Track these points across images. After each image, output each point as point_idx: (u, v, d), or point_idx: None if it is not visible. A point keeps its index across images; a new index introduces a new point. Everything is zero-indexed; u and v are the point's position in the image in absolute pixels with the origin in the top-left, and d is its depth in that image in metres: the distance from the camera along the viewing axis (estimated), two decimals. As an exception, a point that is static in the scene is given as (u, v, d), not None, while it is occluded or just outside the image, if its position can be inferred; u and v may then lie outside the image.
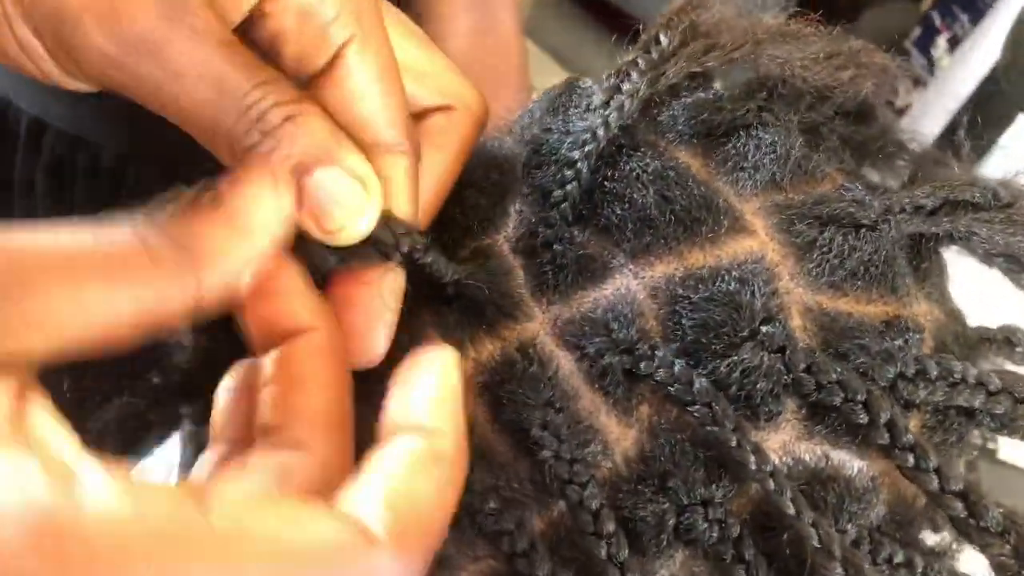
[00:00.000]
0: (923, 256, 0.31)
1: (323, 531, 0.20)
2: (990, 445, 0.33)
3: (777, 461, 0.27)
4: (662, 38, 0.33)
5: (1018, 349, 0.36)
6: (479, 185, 0.32)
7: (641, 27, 0.34)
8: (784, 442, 0.27)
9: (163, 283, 0.21)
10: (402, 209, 0.27)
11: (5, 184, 0.67)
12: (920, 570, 0.28)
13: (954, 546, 0.30)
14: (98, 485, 0.19)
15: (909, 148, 0.37)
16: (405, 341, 0.29)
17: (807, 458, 0.27)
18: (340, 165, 0.25)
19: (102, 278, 0.20)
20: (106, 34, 0.24)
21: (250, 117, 0.25)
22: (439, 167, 0.29)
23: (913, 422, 0.29)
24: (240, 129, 0.25)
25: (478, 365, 0.28)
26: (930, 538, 0.31)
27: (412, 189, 0.28)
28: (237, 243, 0.23)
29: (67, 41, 0.24)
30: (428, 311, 0.30)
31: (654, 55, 0.33)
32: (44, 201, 0.67)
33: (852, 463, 0.28)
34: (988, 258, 0.32)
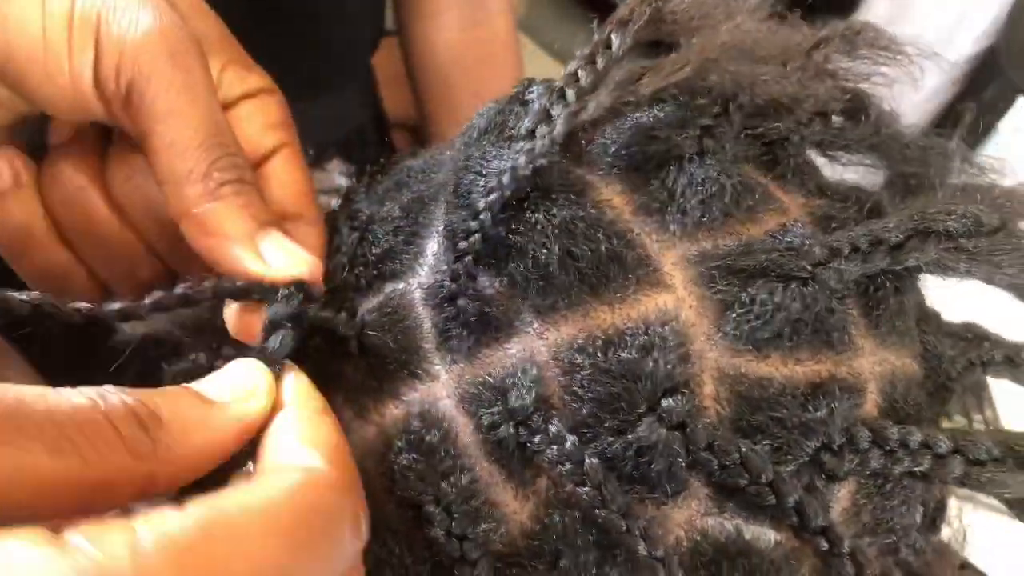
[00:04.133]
0: (878, 298, 0.28)
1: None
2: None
3: (676, 539, 0.25)
4: (614, 40, 0.30)
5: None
6: (396, 221, 0.31)
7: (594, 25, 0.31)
8: (689, 517, 0.26)
9: (114, 464, 0.20)
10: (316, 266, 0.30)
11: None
12: None
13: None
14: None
15: (906, 139, 0.33)
16: None
17: (715, 533, 0.26)
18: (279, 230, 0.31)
19: (49, 444, 0.19)
20: (160, 56, 0.29)
21: (234, 163, 0.30)
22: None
23: (845, 490, 0.27)
24: (223, 165, 0.30)
25: (380, 432, 0.28)
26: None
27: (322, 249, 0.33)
28: (204, 436, 0.23)
29: (124, 58, 0.28)
30: (332, 368, 0.29)
31: (599, 64, 0.30)
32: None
33: (768, 535, 0.26)
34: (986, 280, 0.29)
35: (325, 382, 0.29)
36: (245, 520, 0.19)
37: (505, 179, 0.27)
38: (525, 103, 0.33)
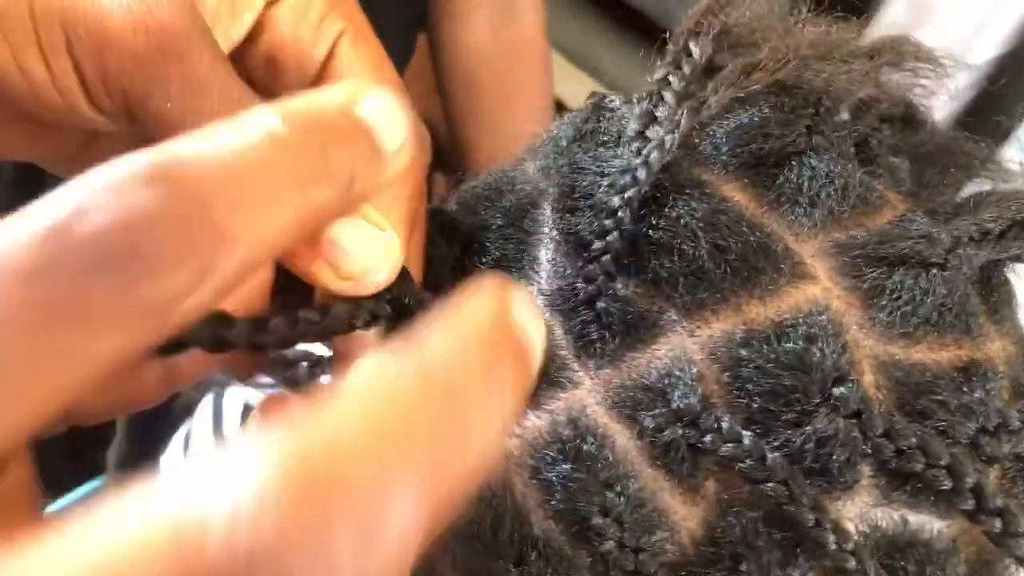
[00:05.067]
0: (993, 286, 0.29)
1: None
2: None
3: (854, 531, 0.25)
4: (693, 49, 0.30)
5: None
6: (503, 229, 0.29)
7: (667, 34, 0.32)
8: (861, 510, 0.25)
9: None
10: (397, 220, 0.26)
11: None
12: None
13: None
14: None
15: (956, 150, 0.35)
16: None
17: (884, 524, 0.25)
18: (362, 215, 0.23)
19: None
20: (144, 53, 0.23)
21: None
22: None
23: (993, 475, 0.27)
24: None
25: (524, 444, 0.26)
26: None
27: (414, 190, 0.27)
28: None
29: (106, 64, 0.23)
30: None
31: (686, 70, 0.30)
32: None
33: (931, 524, 0.26)
34: None
35: None
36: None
37: (641, 175, 0.26)
38: (609, 110, 0.32)
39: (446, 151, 0.85)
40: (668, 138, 0.26)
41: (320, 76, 0.27)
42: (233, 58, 0.27)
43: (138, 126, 0.24)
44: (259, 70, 0.28)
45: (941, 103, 0.36)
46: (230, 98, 0.24)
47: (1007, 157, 0.38)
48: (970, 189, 0.35)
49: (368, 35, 0.28)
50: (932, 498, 0.25)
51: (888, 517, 0.25)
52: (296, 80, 0.27)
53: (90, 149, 0.30)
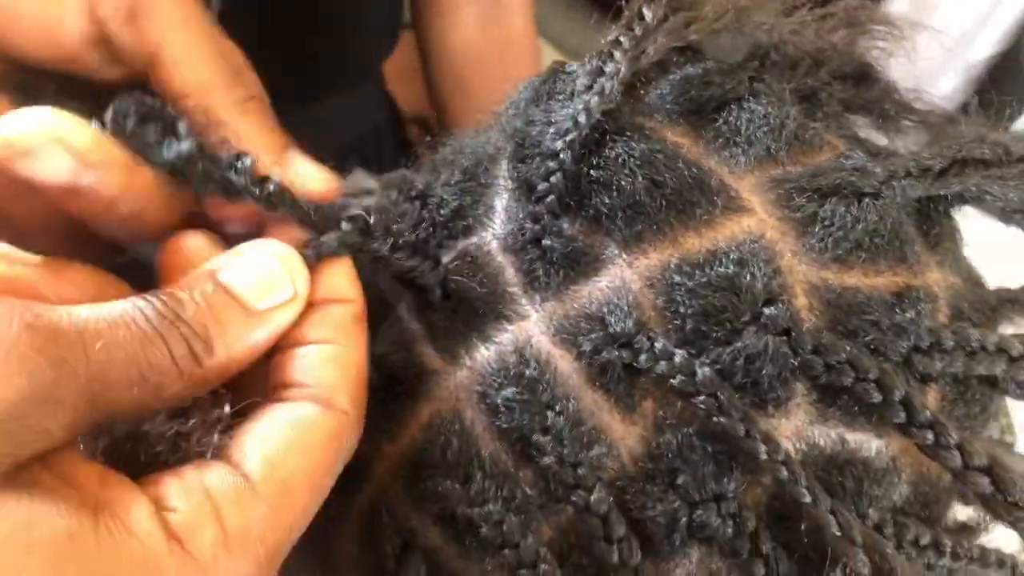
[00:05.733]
0: (933, 221, 0.30)
1: None
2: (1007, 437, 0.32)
3: (790, 448, 0.26)
4: (645, 12, 0.32)
5: None
6: (461, 183, 0.31)
7: (624, 2, 0.33)
8: (796, 428, 0.26)
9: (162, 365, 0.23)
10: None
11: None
12: (949, 550, 0.27)
13: (984, 521, 0.29)
14: None
15: (914, 108, 0.36)
16: (395, 354, 0.28)
17: (822, 442, 0.26)
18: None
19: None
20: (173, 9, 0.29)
21: (249, 77, 0.30)
22: None
23: (931, 396, 0.27)
24: (241, 80, 0.29)
25: (473, 373, 0.27)
26: (961, 512, 0.30)
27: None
28: (250, 332, 0.25)
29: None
30: (416, 319, 0.29)
31: (637, 31, 0.32)
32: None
33: (870, 443, 0.27)
34: (1005, 216, 0.31)
35: (410, 333, 0.28)
36: (299, 480, 0.23)
37: (581, 119, 0.28)
38: (567, 74, 0.34)
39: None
40: (608, 84, 0.28)
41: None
42: None
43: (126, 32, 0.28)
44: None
45: (938, 98, 0.37)
46: (214, 36, 0.30)
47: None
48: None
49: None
50: (865, 414, 0.26)
51: (825, 435, 0.26)
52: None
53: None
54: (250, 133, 0.29)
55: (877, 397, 0.25)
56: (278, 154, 0.29)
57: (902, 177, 0.29)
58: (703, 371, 0.25)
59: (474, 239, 0.29)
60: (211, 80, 0.29)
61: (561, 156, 0.28)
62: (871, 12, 0.37)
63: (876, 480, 0.26)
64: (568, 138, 0.28)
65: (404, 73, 0.79)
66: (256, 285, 0.25)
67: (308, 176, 0.30)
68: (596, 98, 0.28)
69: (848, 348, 0.25)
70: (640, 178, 0.27)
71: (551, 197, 0.28)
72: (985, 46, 0.83)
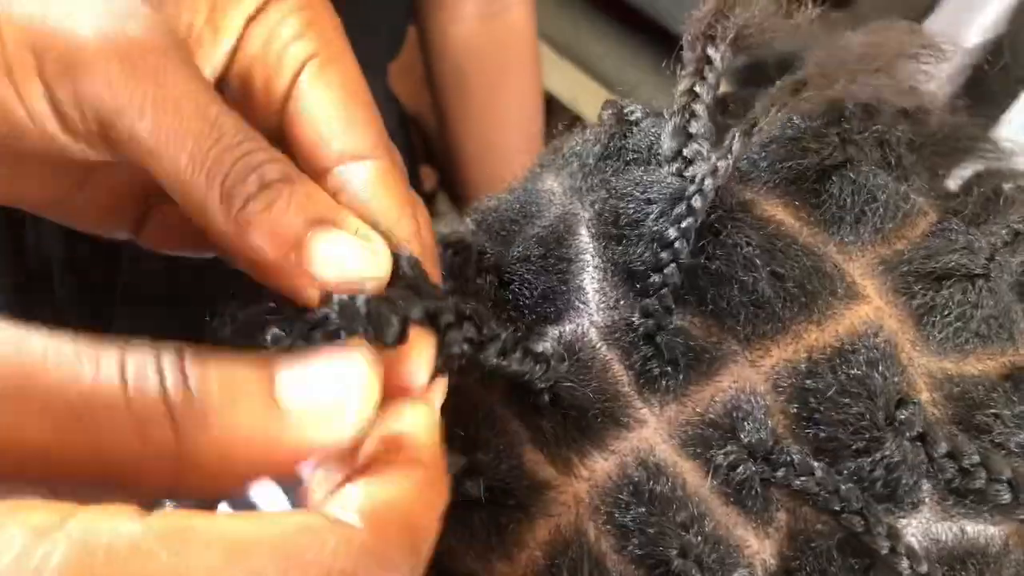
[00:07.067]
0: None
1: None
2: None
3: (915, 544, 0.25)
4: (712, 56, 0.30)
5: None
6: (544, 259, 0.28)
7: (654, 24, 0.31)
8: (924, 527, 0.26)
9: (128, 454, 0.18)
10: (389, 219, 0.25)
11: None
12: None
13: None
14: None
15: (973, 136, 0.35)
16: (500, 462, 0.26)
17: (944, 537, 0.26)
18: (343, 227, 0.23)
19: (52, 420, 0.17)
20: (116, 74, 0.22)
21: (247, 165, 0.23)
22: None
23: None
24: (237, 177, 0.23)
25: (594, 488, 0.25)
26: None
27: (393, 191, 0.25)
28: (247, 450, 0.20)
29: (78, 88, 0.22)
30: (519, 422, 0.27)
31: (710, 79, 0.30)
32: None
33: (986, 530, 0.27)
34: None
35: (513, 437, 0.26)
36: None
37: (696, 203, 0.26)
38: (632, 123, 0.31)
39: (434, 143, 0.83)
40: (721, 164, 0.26)
41: (288, 100, 0.26)
42: (219, 82, 0.26)
43: (115, 151, 0.23)
44: (236, 92, 0.26)
45: (939, 87, 0.37)
46: (206, 117, 0.23)
47: (1000, 137, 0.38)
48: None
49: (340, 57, 0.26)
50: (991, 510, 0.26)
51: (948, 530, 0.26)
52: (264, 103, 0.26)
53: (83, 190, 0.28)
54: (256, 246, 0.23)
55: (1007, 498, 0.25)
56: (292, 259, 0.23)
57: (1001, 248, 0.28)
58: (847, 488, 0.24)
59: (567, 327, 0.27)
60: (204, 199, 0.23)
61: (676, 246, 0.26)
62: (920, 36, 0.36)
63: (994, 567, 0.26)
64: (683, 225, 0.26)
65: (401, 68, 0.75)
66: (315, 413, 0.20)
67: (339, 264, 0.23)
68: (709, 180, 0.26)
69: (980, 449, 0.25)
70: (762, 271, 0.26)
71: (665, 291, 0.26)
72: (978, 32, 0.84)
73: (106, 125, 0.22)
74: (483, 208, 0.32)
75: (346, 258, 0.23)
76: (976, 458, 0.25)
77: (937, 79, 0.37)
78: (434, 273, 0.27)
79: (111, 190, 0.28)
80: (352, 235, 0.23)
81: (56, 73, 0.22)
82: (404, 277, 0.23)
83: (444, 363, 0.23)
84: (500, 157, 0.75)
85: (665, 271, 0.26)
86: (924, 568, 0.24)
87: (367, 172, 0.25)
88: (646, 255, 0.26)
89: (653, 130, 0.30)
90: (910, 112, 0.35)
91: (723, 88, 0.32)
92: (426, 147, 0.85)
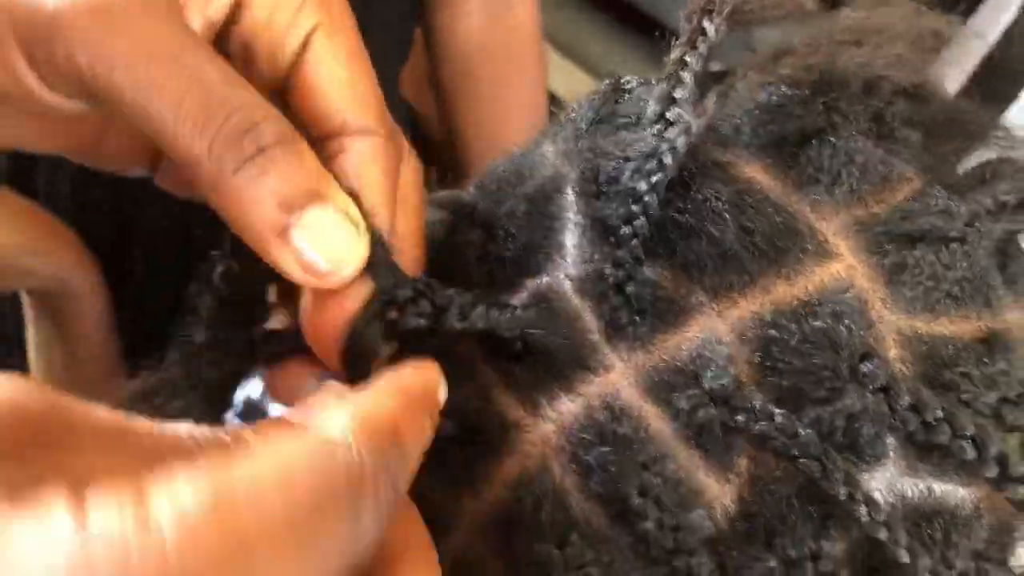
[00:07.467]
0: (1010, 257, 0.29)
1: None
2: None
3: (880, 500, 0.26)
4: (707, 27, 0.31)
5: None
6: (529, 215, 0.29)
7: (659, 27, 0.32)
8: (888, 481, 0.26)
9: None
10: (373, 199, 0.26)
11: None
12: None
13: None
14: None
15: (973, 127, 0.35)
16: (471, 403, 0.27)
17: (910, 493, 0.26)
18: (332, 204, 0.24)
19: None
20: (92, 31, 0.23)
21: (240, 125, 0.23)
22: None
23: (1013, 442, 0.28)
24: (230, 137, 0.23)
25: (560, 428, 0.26)
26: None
27: (386, 173, 0.27)
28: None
29: (55, 48, 0.23)
30: (492, 368, 0.28)
31: (701, 49, 0.30)
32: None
33: (956, 492, 0.27)
34: None
35: (486, 379, 0.27)
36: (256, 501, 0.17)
37: (667, 159, 0.27)
38: (625, 91, 0.33)
39: (436, 142, 0.84)
40: (694, 122, 0.27)
41: (293, 68, 0.27)
42: (216, 42, 0.27)
43: (105, 106, 0.24)
44: (237, 56, 0.27)
45: (950, 72, 0.37)
46: (182, 65, 0.23)
47: (1012, 123, 0.38)
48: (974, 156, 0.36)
49: (345, 28, 0.27)
50: (957, 467, 0.26)
51: (914, 487, 0.26)
52: (268, 69, 0.27)
53: (105, 138, 0.29)
54: (245, 210, 0.24)
55: (972, 454, 0.25)
56: (279, 232, 0.24)
57: (984, 216, 0.28)
58: (805, 433, 0.24)
59: (544, 279, 0.28)
60: (196, 153, 0.23)
61: (646, 199, 0.27)
62: (930, 23, 0.36)
63: (962, 528, 0.26)
64: (653, 180, 0.27)
65: (408, 66, 0.77)
66: None
67: (319, 254, 0.25)
68: (682, 137, 0.27)
69: (945, 405, 0.25)
70: (730, 225, 0.26)
71: (635, 242, 0.27)
72: (992, 17, 0.82)
73: (86, 82, 0.23)
74: (484, 171, 0.34)
75: (331, 240, 0.24)
76: (940, 412, 0.25)
77: (948, 63, 0.37)
78: (416, 252, 0.29)
79: (131, 129, 0.30)
80: (340, 215, 0.24)
81: (33, 37, 0.23)
82: (372, 256, 0.25)
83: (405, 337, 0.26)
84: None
85: (635, 223, 0.27)
86: (883, 517, 0.24)
87: (363, 146, 0.27)
88: (620, 209, 0.27)
89: (643, 97, 0.31)
90: (911, 91, 0.35)
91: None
92: (428, 146, 0.86)
